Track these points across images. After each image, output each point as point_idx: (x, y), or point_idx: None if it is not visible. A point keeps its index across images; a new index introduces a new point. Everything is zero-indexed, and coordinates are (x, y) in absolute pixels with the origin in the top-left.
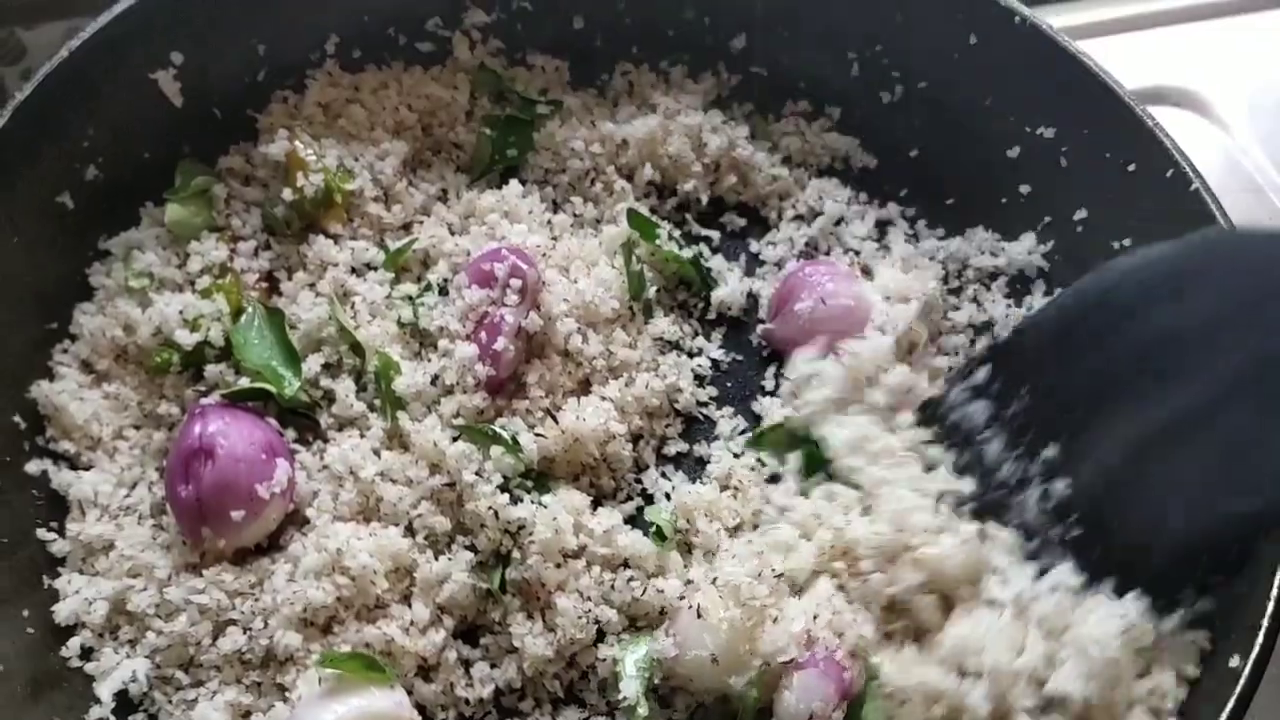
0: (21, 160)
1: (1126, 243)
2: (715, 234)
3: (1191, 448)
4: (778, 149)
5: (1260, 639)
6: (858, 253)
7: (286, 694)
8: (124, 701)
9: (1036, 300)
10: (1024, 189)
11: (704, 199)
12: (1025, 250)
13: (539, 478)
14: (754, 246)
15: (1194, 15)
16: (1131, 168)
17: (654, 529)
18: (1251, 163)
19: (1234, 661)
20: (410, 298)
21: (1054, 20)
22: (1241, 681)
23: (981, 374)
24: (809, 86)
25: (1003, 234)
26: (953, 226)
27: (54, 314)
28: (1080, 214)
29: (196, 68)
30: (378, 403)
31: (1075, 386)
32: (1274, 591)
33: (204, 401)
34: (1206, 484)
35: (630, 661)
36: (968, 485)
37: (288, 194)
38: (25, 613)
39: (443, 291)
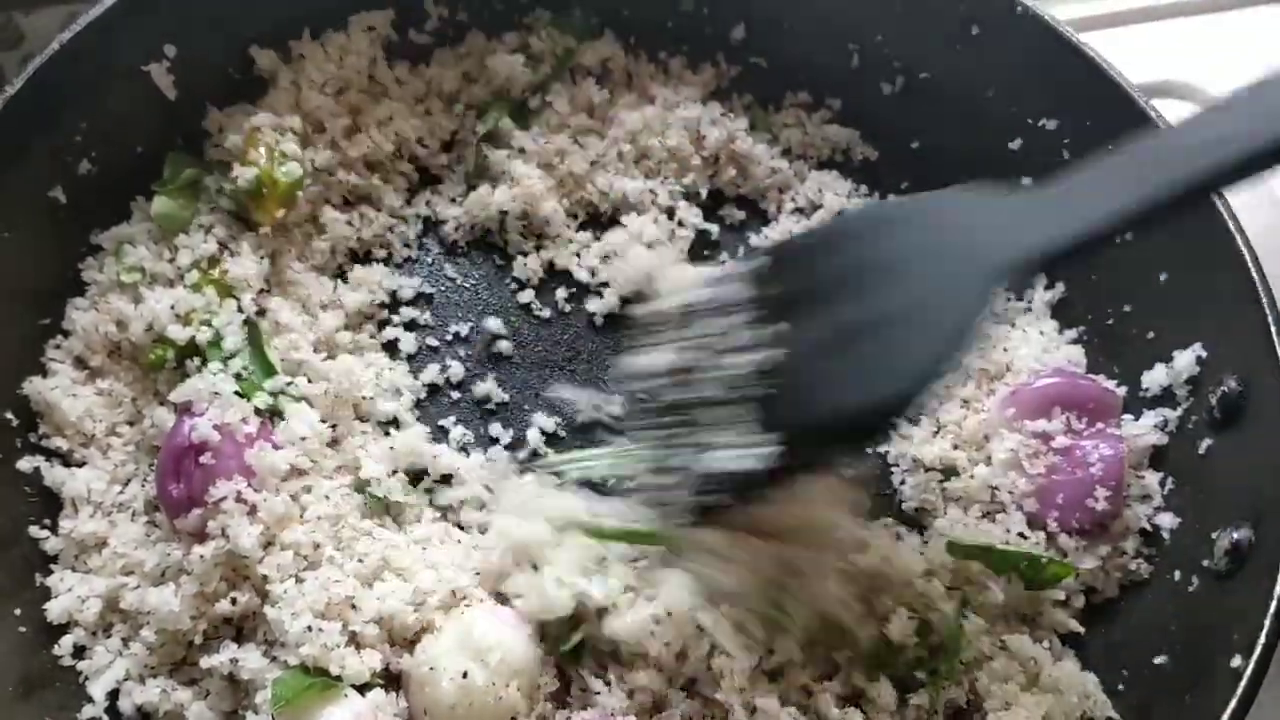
0: (13, 154)
1: (1128, 236)
2: (714, 227)
3: (863, 345)
4: (778, 141)
5: (1262, 639)
6: None
7: None
8: (116, 700)
9: (1037, 292)
10: (1026, 181)
11: (703, 192)
12: None
13: None
14: (753, 240)
15: (1200, 9)
16: None
17: None
18: None
19: (1236, 662)
20: None
21: (1061, 13)
22: (1244, 682)
23: (759, 263)
24: (809, 78)
25: None
26: None
27: (47, 310)
28: None
29: (189, 60)
30: None
31: (817, 283)
32: (1276, 590)
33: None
34: (866, 372)
35: None
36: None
37: (227, 184)
38: (17, 611)
39: None
